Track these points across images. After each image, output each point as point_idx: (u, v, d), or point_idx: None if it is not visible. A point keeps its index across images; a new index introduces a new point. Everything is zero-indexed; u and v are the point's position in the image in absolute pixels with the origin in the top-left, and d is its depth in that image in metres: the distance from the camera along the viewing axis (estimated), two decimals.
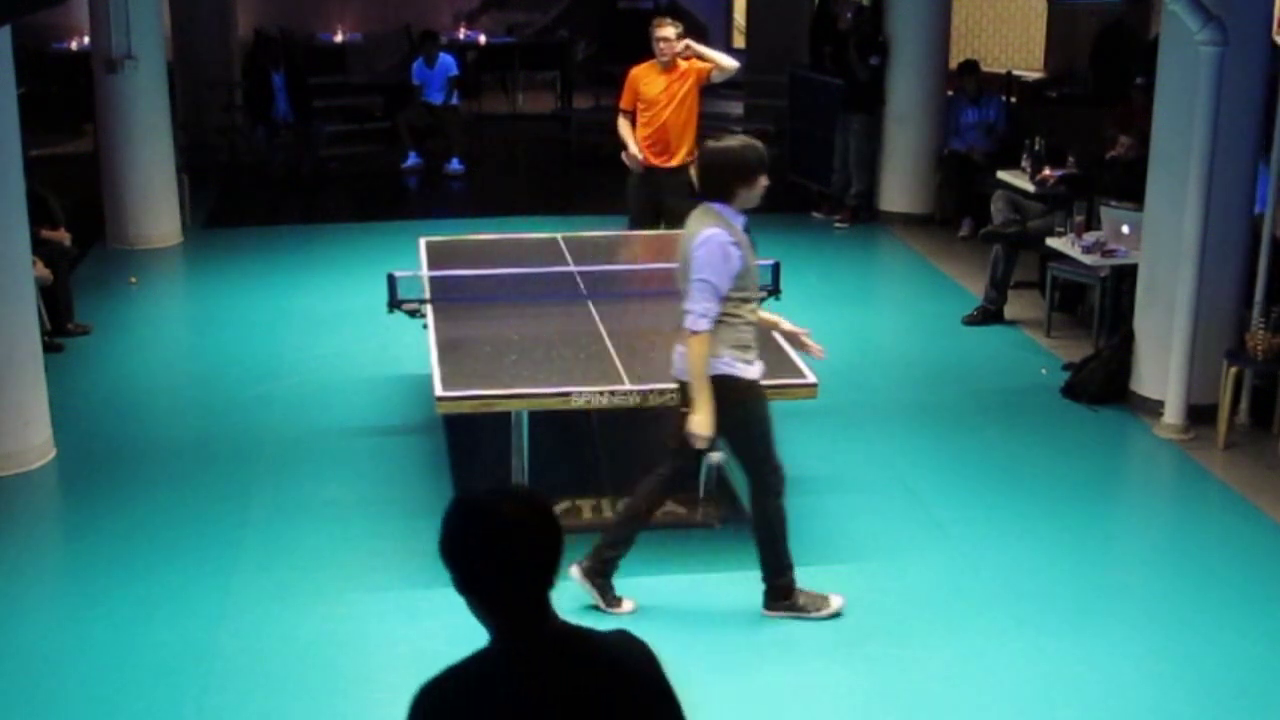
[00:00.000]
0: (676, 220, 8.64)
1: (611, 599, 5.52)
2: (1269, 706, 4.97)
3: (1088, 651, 5.28)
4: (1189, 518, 6.69)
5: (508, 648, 2.39)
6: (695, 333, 5.10)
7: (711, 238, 5.08)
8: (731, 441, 5.47)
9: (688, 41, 8.61)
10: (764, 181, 5.21)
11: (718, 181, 5.19)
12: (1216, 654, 5.27)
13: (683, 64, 8.53)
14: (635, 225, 8.84)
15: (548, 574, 2.39)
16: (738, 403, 5.24)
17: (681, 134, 8.59)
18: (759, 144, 5.29)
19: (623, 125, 8.75)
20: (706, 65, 8.54)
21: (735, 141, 5.26)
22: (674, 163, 8.62)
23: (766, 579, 5.51)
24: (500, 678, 2.37)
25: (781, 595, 5.48)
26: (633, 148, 8.65)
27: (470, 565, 2.37)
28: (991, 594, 5.72)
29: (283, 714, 4.85)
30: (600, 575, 5.49)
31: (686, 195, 8.67)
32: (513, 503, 2.40)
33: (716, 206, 5.18)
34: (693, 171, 8.66)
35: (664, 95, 8.53)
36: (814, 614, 5.47)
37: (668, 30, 8.50)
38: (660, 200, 8.68)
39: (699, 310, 5.10)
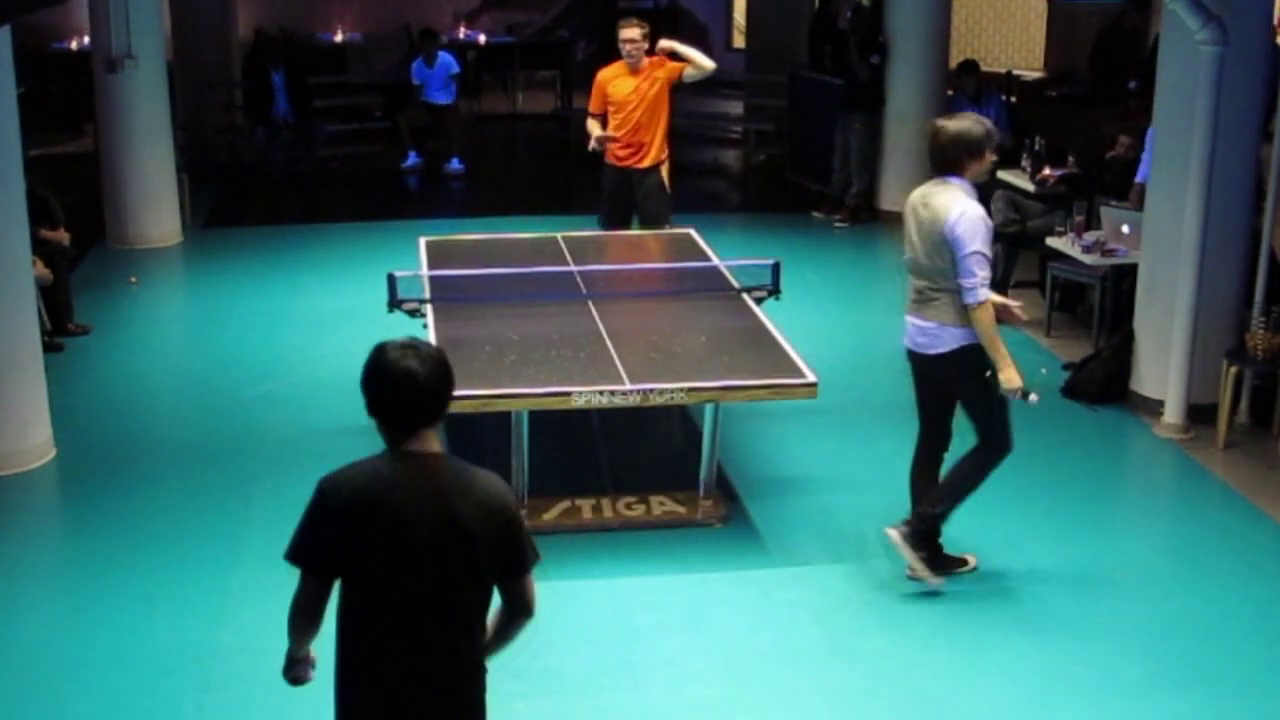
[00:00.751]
0: (650, 220, 8.64)
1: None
2: (1269, 706, 4.97)
3: (1088, 651, 5.28)
4: (1189, 518, 6.69)
5: (389, 460, 3.24)
6: (979, 304, 5.29)
7: (968, 211, 5.29)
8: (970, 406, 5.60)
9: (673, 45, 8.56)
10: (992, 156, 5.43)
11: (950, 157, 5.40)
12: (1216, 654, 5.27)
13: (646, 63, 8.45)
14: (607, 225, 8.78)
15: (428, 414, 3.22)
16: (983, 370, 5.44)
17: (653, 134, 8.51)
18: (986, 120, 5.49)
19: (589, 121, 8.65)
20: (679, 65, 8.47)
21: (964, 119, 5.50)
22: (646, 163, 8.54)
23: (921, 511, 5.63)
24: (379, 479, 3.20)
25: (921, 539, 5.60)
26: (599, 133, 8.53)
27: (371, 396, 3.24)
28: (991, 593, 5.72)
29: (283, 714, 4.83)
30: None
31: (658, 195, 8.64)
32: (412, 356, 3.20)
33: (955, 180, 5.39)
34: (663, 171, 8.67)
35: (634, 96, 8.45)
36: (950, 572, 5.70)
37: (633, 32, 8.40)
38: (633, 200, 8.65)
39: (977, 280, 5.29)
